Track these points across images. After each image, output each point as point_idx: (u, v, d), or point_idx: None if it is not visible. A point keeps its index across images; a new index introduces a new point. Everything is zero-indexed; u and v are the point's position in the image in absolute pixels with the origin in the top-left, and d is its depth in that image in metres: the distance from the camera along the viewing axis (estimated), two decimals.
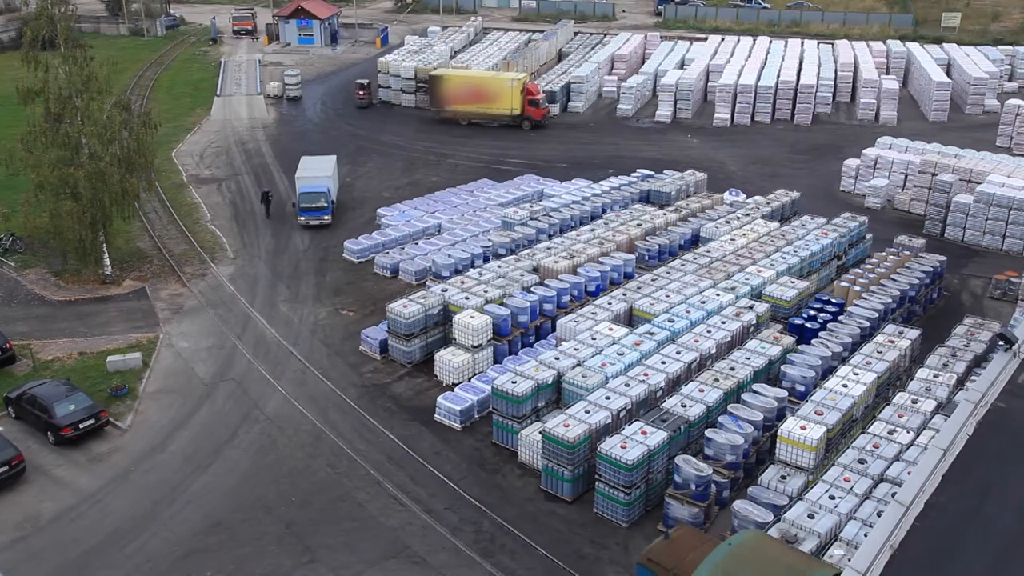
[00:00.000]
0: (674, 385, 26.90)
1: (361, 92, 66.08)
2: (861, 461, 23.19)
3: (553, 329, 31.67)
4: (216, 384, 30.98)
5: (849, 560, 16.07)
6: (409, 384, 30.94)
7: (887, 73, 69.44)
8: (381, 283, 38.13)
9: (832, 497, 21.99)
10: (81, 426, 27.42)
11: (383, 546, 23.56)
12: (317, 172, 45.31)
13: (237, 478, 26.21)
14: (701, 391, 25.98)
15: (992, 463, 16.67)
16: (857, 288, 32.95)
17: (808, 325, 30.24)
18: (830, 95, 65.09)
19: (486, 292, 32.33)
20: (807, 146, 57.92)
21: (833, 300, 32.01)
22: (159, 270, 39.52)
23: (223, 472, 26.47)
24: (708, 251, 35.90)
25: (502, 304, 31.88)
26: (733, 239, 36.91)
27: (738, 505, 22.42)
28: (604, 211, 41.91)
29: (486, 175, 50.50)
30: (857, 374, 26.52)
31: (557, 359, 27.85)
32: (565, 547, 23.33)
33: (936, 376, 26.71)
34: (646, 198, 44.06)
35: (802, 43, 77.12)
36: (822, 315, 30.83)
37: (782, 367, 27.38)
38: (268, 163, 53.77)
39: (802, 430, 23.67)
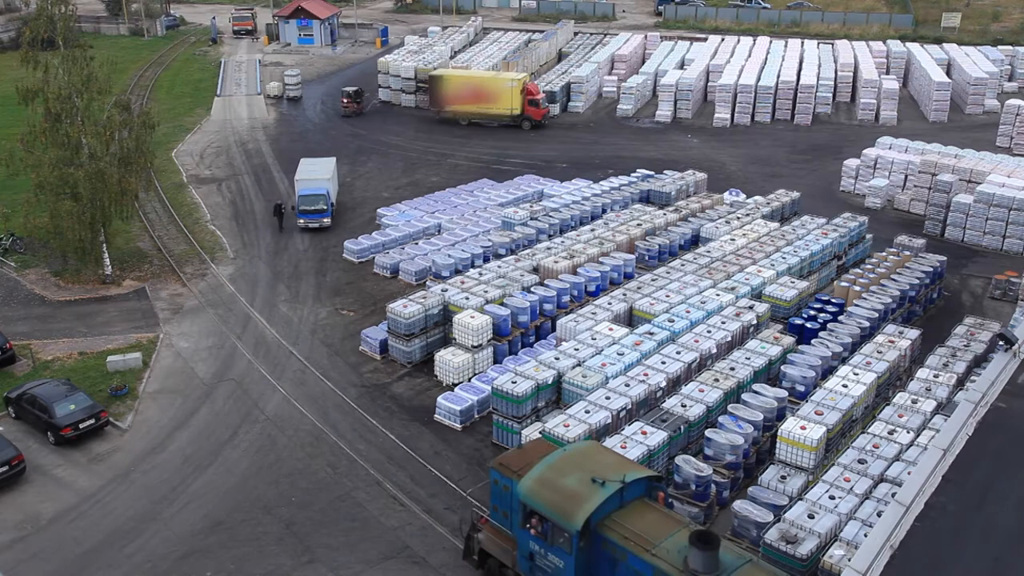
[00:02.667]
0: (674, 385, 26.90)
1: (346, 101, 63.55)
2: (861, 461, 23.17)
3: (553, 329, 31.67)
4: (216, 384, 30.99)
5: (849, 560, 16.07)
6: (409, 384, 30.94)
7: (887, 73, 69.43)
8: (381, 283, 38.13)
9: (832, 497, 21.98)
10: (81, 426, 27.41)
11: (383, 546, 23.56)
12: (316, 174, 45.30)
13: (237, 478, 26.21)
14: (701, 391, 25.98)
15: (992, 463, 16.66)
16: (857, 288, 32.95)
17: (808, 325, 30.23)
18: (830, 95, 65.09)
19: (486, 292, 32.33)
20: (807, 146, 57.92)
21: (833, 300, 32.00)
22: (159, 270, 39.53)
23: (223, 472, 26.48)
24: (708, 251, 35.90)
25: (502, 304, 31.87)
26: (733, 239, 36.91)
27: (738, 505, 22.41)
28: (604, 211, 41.91)
29: (486, 175, 50.51)
30: (857, 374, 26.51)
31: (557, 359, 27.85)
32: None
33: (936, 376, 26.70)
34: (646, 198, 44.06)
35: (802, 43, 77.11)
36: (822, 315, 30.82)
37: (782, 367, 27.37)
38: (268, 163, 53.78)
39: (802, 430, 23.66)
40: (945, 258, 36.28)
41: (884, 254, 36.36)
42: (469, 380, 30.08)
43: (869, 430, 24.55)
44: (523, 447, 22.66)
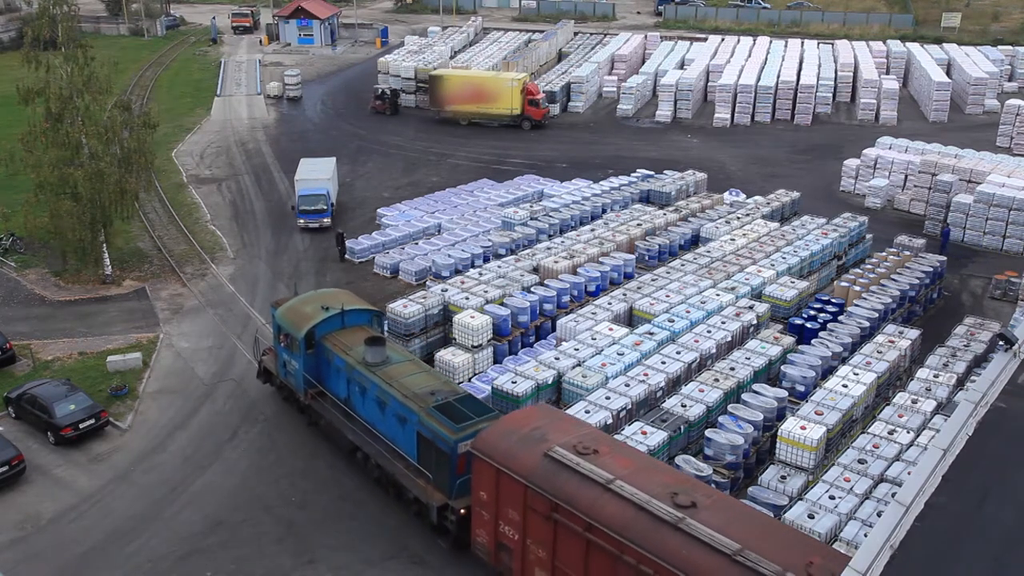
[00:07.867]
0: (674, 385, 26.89)
1: (378, 103, 64.33)
2: (861, 461, 23.18)
3: (553, 329, 31.66)
4: (216, 384, 30.99)
5: (849, 560, 16.04)
6: None
7: (887, 73, 69.45)
8: (381, 283, 38.12)
9: (832, 497, 21.98)
10: (81, 426, 27.42)
11: (383, 546, 23.57)
12: (316, 174, 45.28)
13: (237, 478, 26.21)
14: (701, 391, 25.97)
15: (992, 463, 16.64)
16: (857, 288, 32.95)
17: (808, 325, 30.22)
18: (830, 95, 65.09)
19: (486, 292, 32.32)
20: (807, 146, 57.93)
21: (833, 300, 32.00)
22: (159, 270, 39.52)
23: (223, 472, 26.48)
24: (708, 251, 35.89)
25: (502, 304, 31.86)
26: (733, 239, 36.90)
27: None
28: (604, 211, 41.89)
29: (486, 175, 50.50)
30: (857, 374, 26.51)
31: (557, 359, 27.85)
32: None
33: (936, 376, 26.70)
34: (646, 198, 44.04)
35: (802, 43, 77.13)
36: (822, 315, 30.82)
37: (782, 367, 27.37)
38: (268, 163, 53.79)
39: (802, 430, 23.66)
40: (945, 258, 36.29)
41: (884, 254, 36.36)
42: (469, 380, 30.05)
43: (869, 430, 24.55)
44: (298, 295, 30.29)
